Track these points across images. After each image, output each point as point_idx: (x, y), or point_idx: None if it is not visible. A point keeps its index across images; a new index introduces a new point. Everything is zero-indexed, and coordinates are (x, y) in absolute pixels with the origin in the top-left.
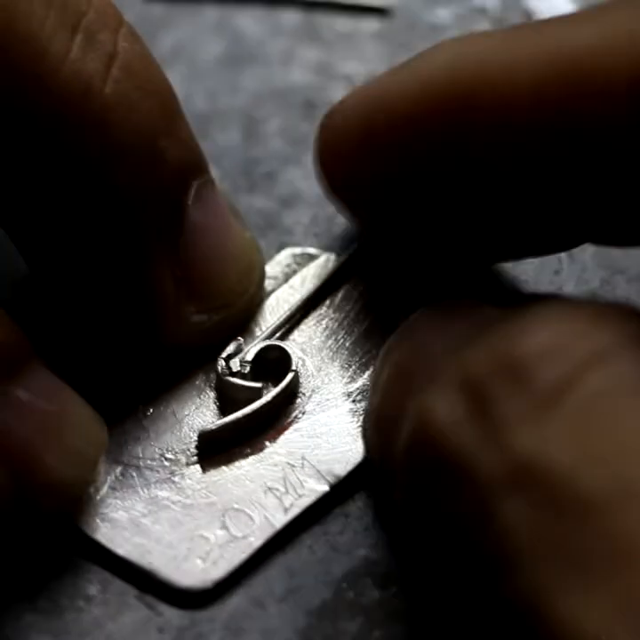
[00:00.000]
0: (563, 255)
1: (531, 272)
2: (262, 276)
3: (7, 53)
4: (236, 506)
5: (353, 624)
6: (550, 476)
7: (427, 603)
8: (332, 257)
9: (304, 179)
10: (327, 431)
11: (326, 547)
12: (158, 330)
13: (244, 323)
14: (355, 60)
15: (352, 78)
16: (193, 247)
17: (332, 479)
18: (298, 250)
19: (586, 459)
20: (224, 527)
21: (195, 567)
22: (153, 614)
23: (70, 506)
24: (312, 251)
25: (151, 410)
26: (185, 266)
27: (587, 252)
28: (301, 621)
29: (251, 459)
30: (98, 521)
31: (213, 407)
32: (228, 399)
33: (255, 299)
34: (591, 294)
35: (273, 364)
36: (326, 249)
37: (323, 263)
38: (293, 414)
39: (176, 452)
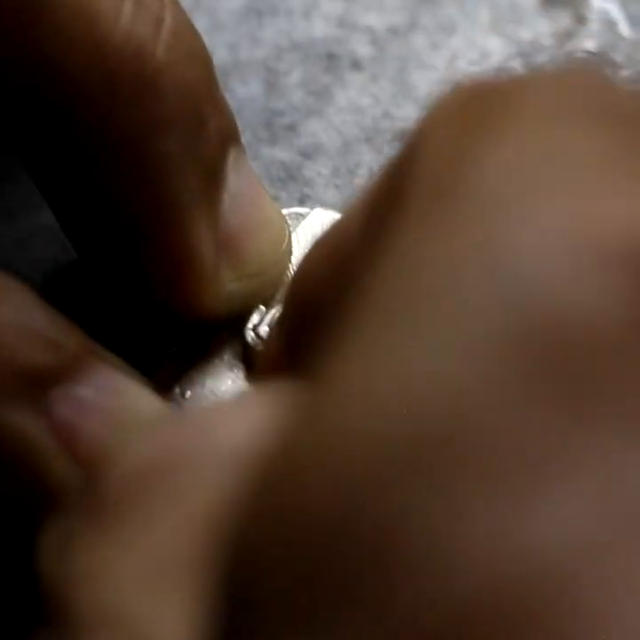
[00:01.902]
0: None
1: None
2: (290, 244)
3: (58, 17)
4: None
5: None
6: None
7: None
8: (320, 210)
9: (325, 131)
10: None
11: None
12: (195, 297)
13: (271, 292)
14: (376, 11)
15: (374, 30)
16: (231, 214)
17: None
18: (285, 211)
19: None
20: None
21: None
22: None
23: None
24: (300, 210)
25: (189, 391)
26: (223, 233)
27: None
28: None
29: None
30: None
31: (247, 376)
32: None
33: (284, 267)
34: None
35: None
36: (347, 200)
37: (314, 221)
38: None
39: None
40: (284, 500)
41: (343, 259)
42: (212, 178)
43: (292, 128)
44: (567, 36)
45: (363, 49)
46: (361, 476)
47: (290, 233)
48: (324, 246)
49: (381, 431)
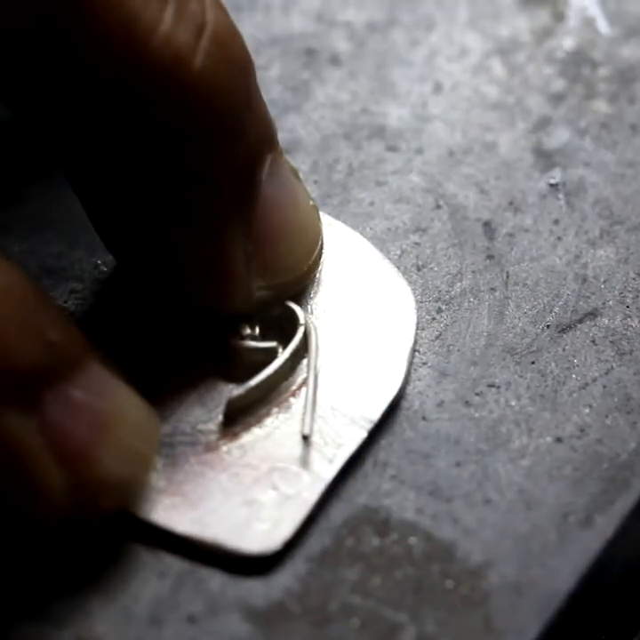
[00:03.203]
0: (562, 203)
1: (529, 221)
2: (322, 246)
3: (99, 21)
4: (279, 465)
5: (352, 571)
6: None
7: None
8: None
9: (304, 126)
10: (346, 379)
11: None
12: (225, 303)
13: (298, 291)
14: (355, 7)
15: (353, 26)
16: (264, 222)
17: (367, 424)
18: None
19: None
20: (275, 487)
21: (258, 532)
22: (153, 559)
23: (126, 504)
24: None
25: (169, 387)
26: (256, 241)
27: (586, 201)
28: (301, 568)
29: (280, 417)
30: (149, 504)
31: (228, 373)
32: (241, 363)
33: (315, 269)
34: (591, 244)
35: (275, 321)
36: (325, 196)
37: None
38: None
39: (206, 423)
40: None
41: None
42: (247, 187)
43: None
44: (545, 32)
45: (341, 44)
46: None
47: (322, 233)
48: None
49: None
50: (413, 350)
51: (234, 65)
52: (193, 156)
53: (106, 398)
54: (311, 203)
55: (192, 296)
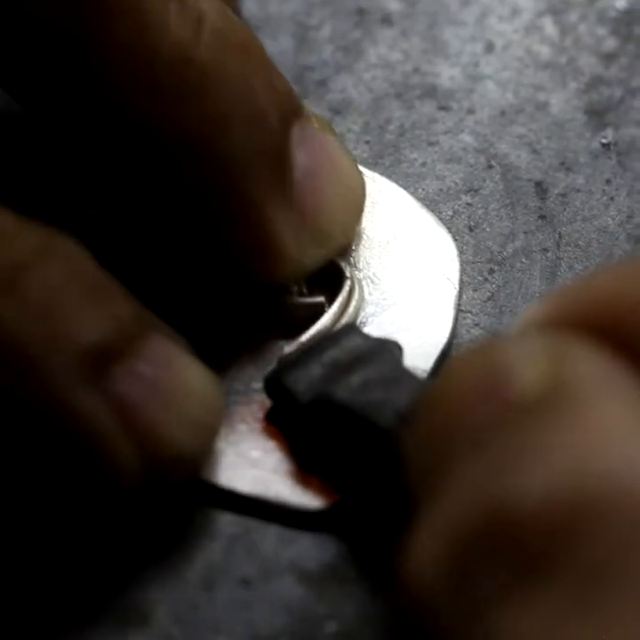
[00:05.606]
0: (614, 163)
1: (581, 181)
2: (365, 200)
3: (116, 26)
4: None
5: None
6: None
7: None
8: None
9: (355, 86)
10: (396, 329)
11: None
12: (277, 274)
13: (341, 250)
14: None
15: None
16: (304, 191)
17: (420, 373)
18: None
19: None
20: None
21: (320, 487)
22: (204, 522)
23: (193, 473)
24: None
25: (221, 347)
26: (302, 211)
27: (639, 161)
28: (355, 531)
29: None
30: (210, 464)
31: (278, 331)
32: (290, 320)
33: (357, 226)
34: None
35: (321, 276)
36: (377, 156)
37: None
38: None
39: (259, 382)
40: None
41: None
42: (279, 163)
43: (322, 84)
44: None
45: (393, 4)
46: None
47: (365, 187)
48: None
49: None
50: (459, 298)
51: (236, 49)
52: (218, 147)
53: (172, 370)
54: (349, 157)
55: (245, 274)
